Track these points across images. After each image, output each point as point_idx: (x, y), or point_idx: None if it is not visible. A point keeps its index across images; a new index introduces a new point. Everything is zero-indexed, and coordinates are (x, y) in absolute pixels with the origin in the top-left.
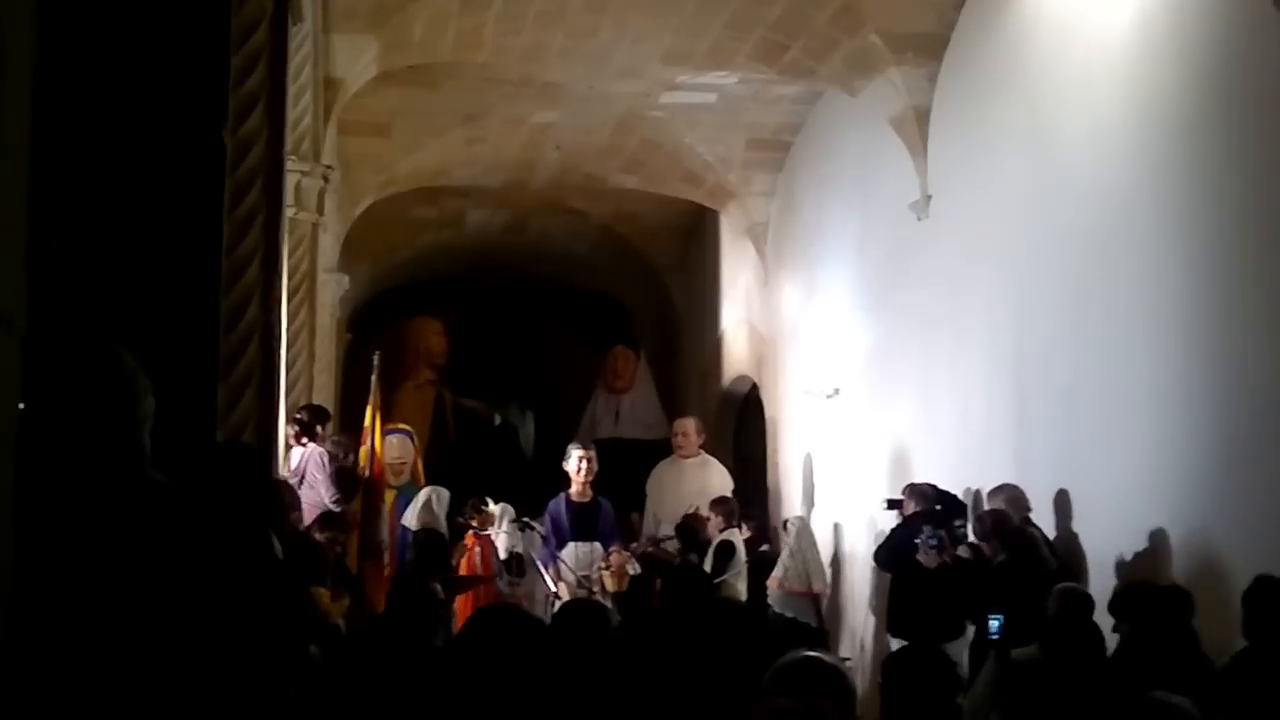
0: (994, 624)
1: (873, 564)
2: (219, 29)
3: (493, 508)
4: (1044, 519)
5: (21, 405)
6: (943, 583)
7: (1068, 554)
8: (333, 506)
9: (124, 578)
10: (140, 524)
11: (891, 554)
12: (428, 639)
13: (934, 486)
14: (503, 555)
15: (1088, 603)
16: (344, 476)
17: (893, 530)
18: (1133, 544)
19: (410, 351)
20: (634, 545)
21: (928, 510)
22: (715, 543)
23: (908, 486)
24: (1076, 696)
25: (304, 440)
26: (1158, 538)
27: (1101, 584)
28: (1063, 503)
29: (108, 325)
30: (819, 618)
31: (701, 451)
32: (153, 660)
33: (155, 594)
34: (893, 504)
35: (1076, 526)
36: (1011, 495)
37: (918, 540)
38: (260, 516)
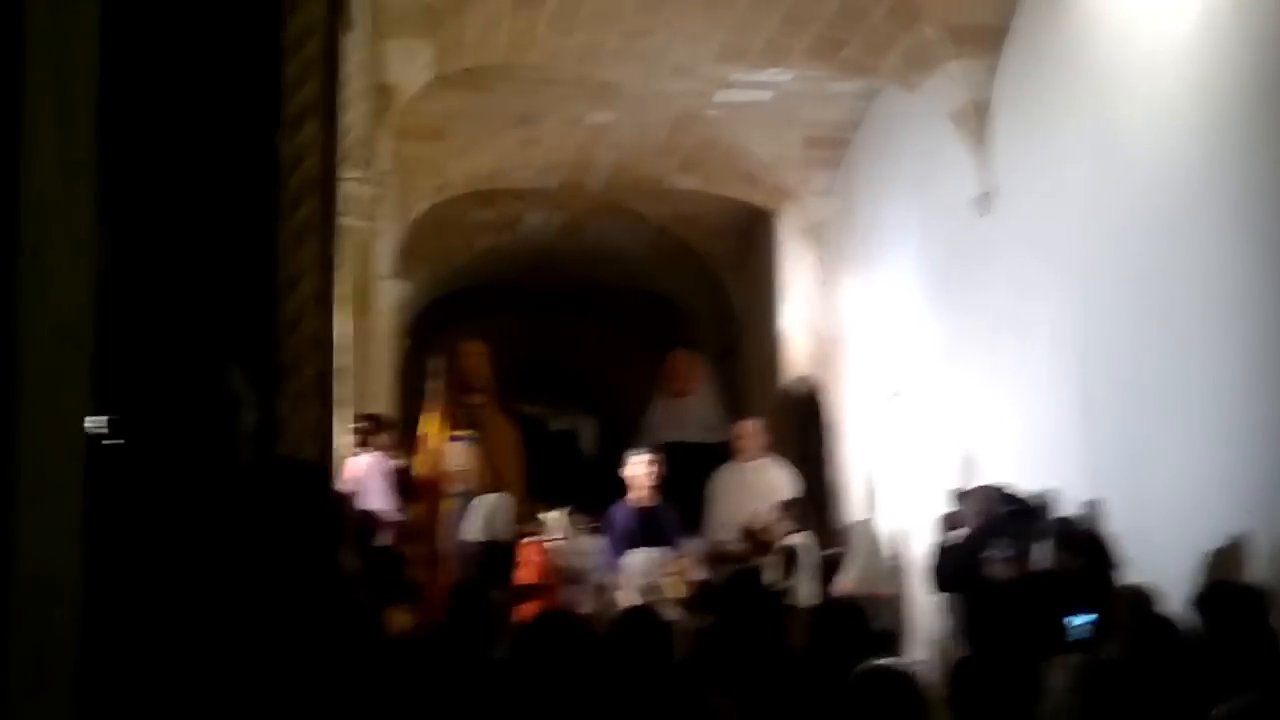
0: (1078, 624)
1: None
2: (272, 38)
3: (552, 515)
4: (1113, 519)
5: (108, 418)
6: (1019, 596)
7: (1138, 554)
8: (392, 515)
9: (222, 586)
10: (239, 529)
11: (951, 575)
12: (486, 649)
13: (1001, 489)
14: (565, 563)
15: (1153, 602)
16: (402, 481)
17: (945, 549)
18: (1205, 542)
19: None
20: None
21: (987, 523)
22: (782, 545)
23: (977, 488)
24: (1160, 700)
25: (363, 448)
26: (1230, 535)
27: (1173, 583)
28: (1131, 501)
29: (166, 337)
30: (889, 620)
31: (764, 454)
32: (220, 659)
33: (254, 601)
34: (959, 497)
35: (1146, 525)
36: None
37: (988, 554)
38: (325, 533)
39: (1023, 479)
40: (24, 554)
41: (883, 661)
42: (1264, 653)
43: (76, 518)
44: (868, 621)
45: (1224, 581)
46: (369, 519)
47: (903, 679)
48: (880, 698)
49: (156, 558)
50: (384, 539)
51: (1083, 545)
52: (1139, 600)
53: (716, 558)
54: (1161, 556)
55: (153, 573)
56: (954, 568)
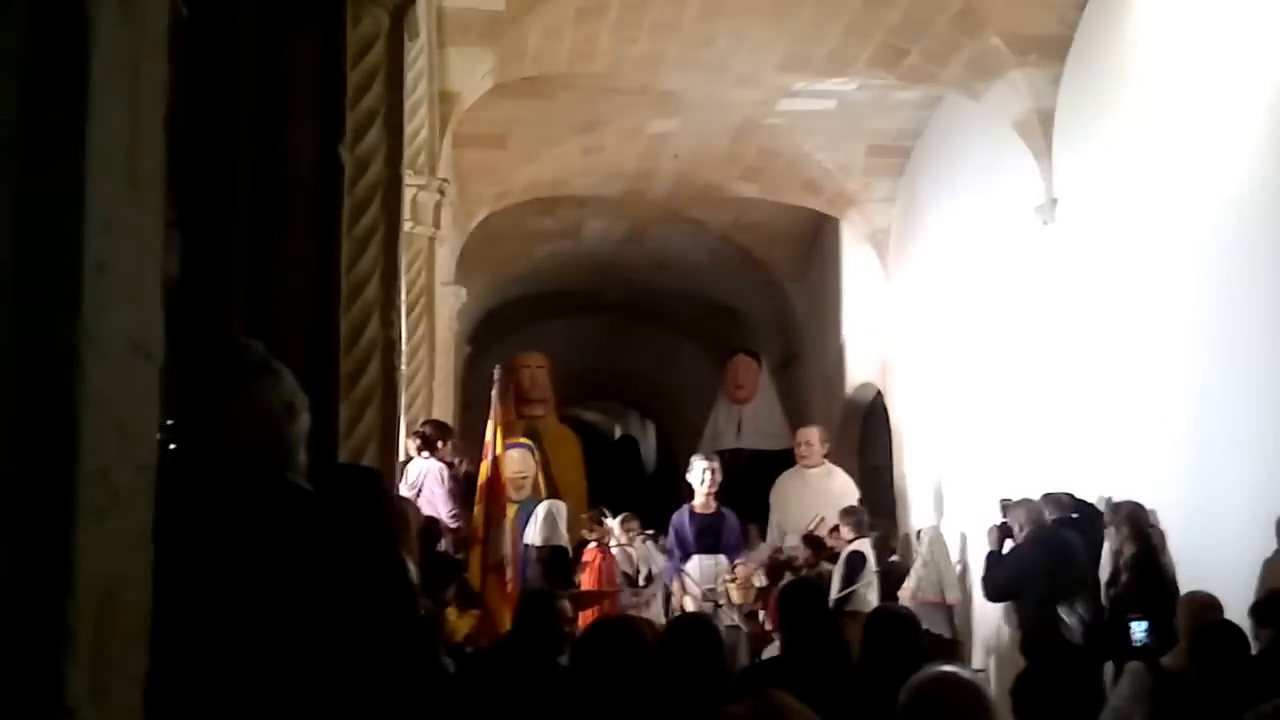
0: (1139, 630)
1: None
2: (337, 47)
3: (611, 521)
4: (1179, 526)
5: (170, 421)
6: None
7: (1202, 561)
8: (449, 522)
9: (277, 595)
10: (293, 539)
11: (1001, 586)
12: (553, 657)
13: (1071, 495)
14: (627, 569)
15: (1219, 608)
16: (461, 487)
17: (995, 558)
18: (1270, 549)
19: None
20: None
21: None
22: (845, 552)
23: (1017, 501)
24: (1226, 707)
25: (424, 453)
26: None
27: (1238, 590)
28: (1197, 509)
29: (230, 344)
30: (952, 628)
31: (826, 461)
32: (290, 666)
33: (304, 608)
34: (1007, 507)
35: (1212, 532)
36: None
37: (1133, 635)
38: (388, 537)
39: (1088, 486)
40: (91, 567)
41: (944, 668)
42: None
43: (147, 530)
44: (917, 630)
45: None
46: (431, 524)
47: (965, 685)
48: (942, 703)
49: (220, 567)
50: (444, 545)
51: (1144, 535)
52: (1203, 608)
53: (778, 565)
54: (1226, 565)
55: (217, 582)
56: (1003, 578)
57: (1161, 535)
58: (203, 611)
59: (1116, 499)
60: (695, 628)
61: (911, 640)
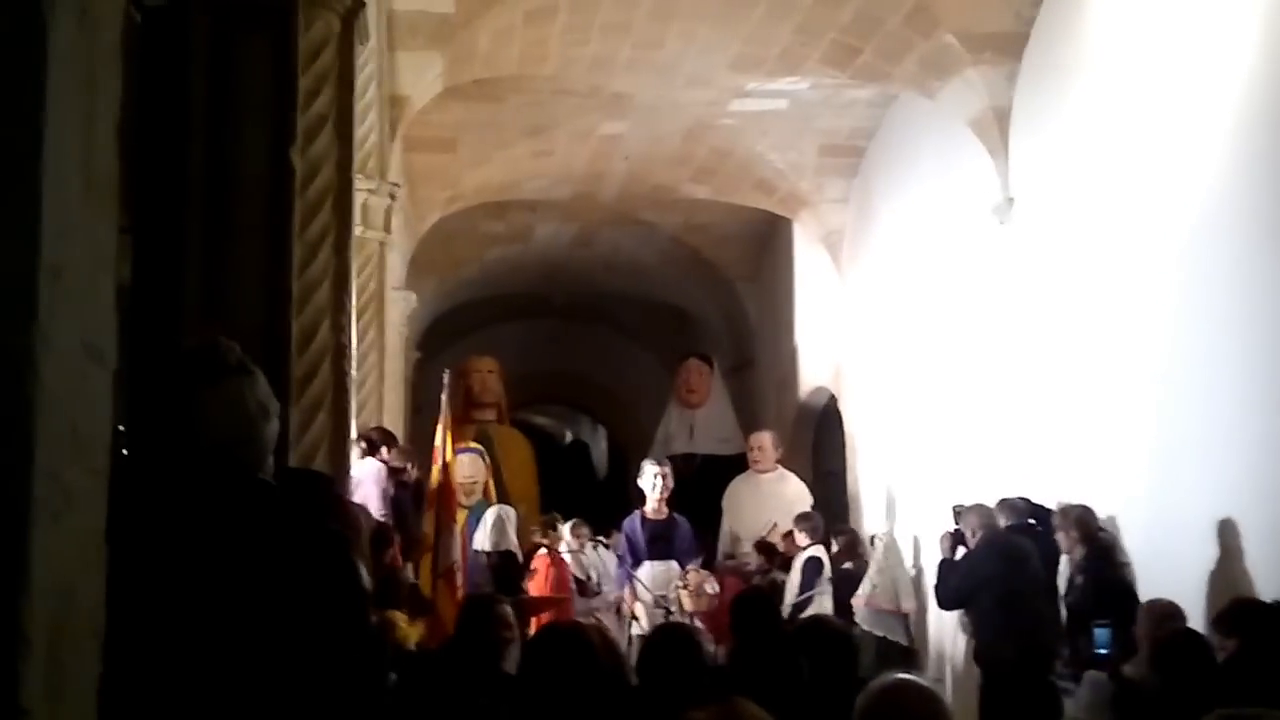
0: (1101, 636)
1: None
2: (287, 51)
3: (564, 527)
4: (1137, 531)
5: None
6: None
7: (1161, 566)
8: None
9: (246, 595)
10: (266, 539)
11: (955, 592)
12: (495, 661)
13: (1027, 500)
14: (578, 575)
15: (1180, 616)
16: (411, 493)
17: (948, 565)
18: (1236, 553)
19: (464, 393)
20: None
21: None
22: (802, 559)
23: (970, 506)
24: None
25: (366, 456)
26: (1263, 544)
27: (1199, 596)
28: (1155, 513)
29: (181, 349)
30: (908, 636)
31: (779, 466)
32: (245, 665)
33: (269, 609)
34: (959, 513)
35: (1170, 537)
36: (983, 512)
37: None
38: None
39: (1045, 491)
40: (45, 568)
41: (901, 675)
42: None
43: (100, 531)
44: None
45: (1254, 599)
46: (381, 530)
47: (921, 692)
48: (898, 710)
49: (192, 565)
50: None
51: (1094, 538)
52: (1164, 617)
53: (730, 571)
54: (1184, 570)
55: (187, 581)
56: (956, 585)
57: (1112, 538)
58: (175, 610)
59: (1069, 504)
60: (676, 639)
61: (692, 657)
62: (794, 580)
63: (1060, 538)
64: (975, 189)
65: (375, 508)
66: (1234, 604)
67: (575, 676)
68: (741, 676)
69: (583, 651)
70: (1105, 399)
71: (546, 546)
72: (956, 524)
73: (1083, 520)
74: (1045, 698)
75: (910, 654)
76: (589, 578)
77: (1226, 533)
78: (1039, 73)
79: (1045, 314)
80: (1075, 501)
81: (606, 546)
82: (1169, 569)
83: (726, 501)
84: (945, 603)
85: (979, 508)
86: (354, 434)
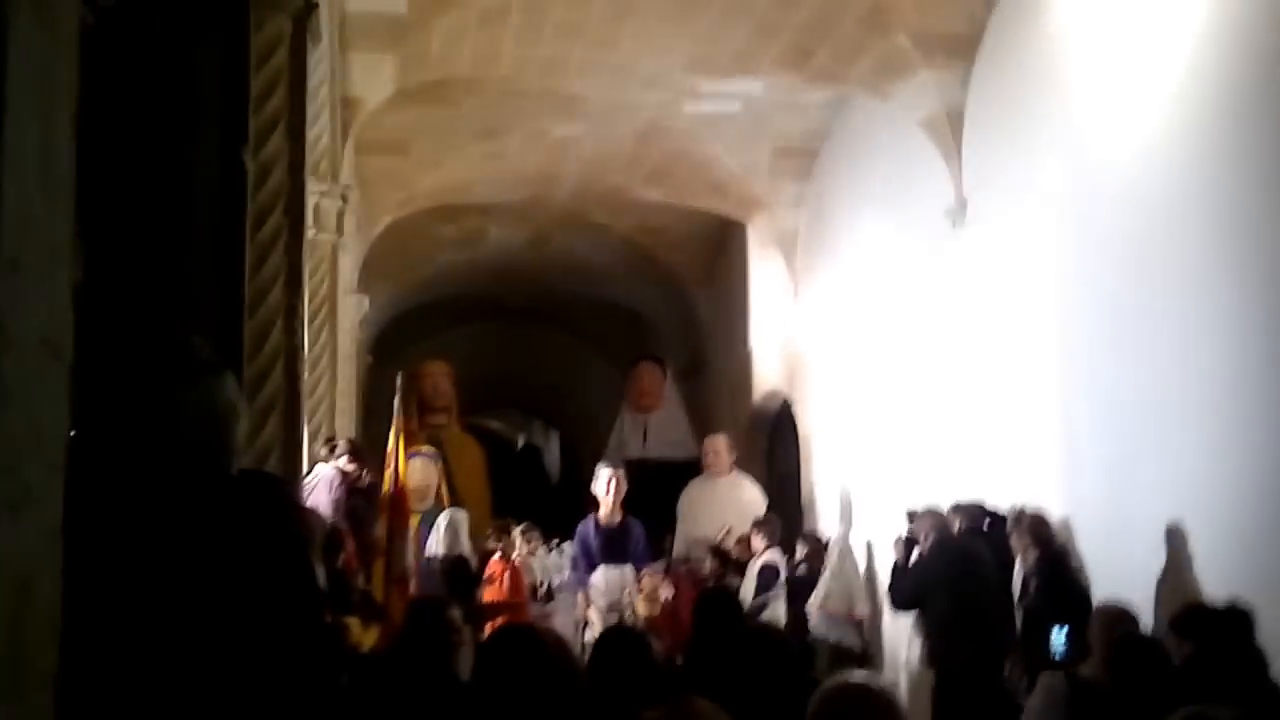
0: (1059, 638)
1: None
2: (239, 52)
3: (517, 531)
4: (1091, 535)
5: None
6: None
7: (1114, 570)
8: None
9: (218, 594)
10: (236, 536)
11: (908, 595)
12: (445, 665)
13: (981, 505)
14: (532, 580)
15: (1133, 621)
16: (365, 500)
17: (901, 569)
18: (1187, 560)
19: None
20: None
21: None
22: (758, 564)
23: (922, 511)
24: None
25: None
26: (1212, 552)
27: (1150, 600)
28: (1108, 517)
29: (131, 350)
30: (862, 641)
31: (734, 470)
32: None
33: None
34: (912, 518)
35: (1123, 541)
36: (935, 517)
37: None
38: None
39: (999, 495)
40: (3, 563)
41: (855, 675)
42: (1251, 675)
43: (58, 526)
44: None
45: (1206, 603)
46: (334, 534)
47: (875, 692)
48: (852, 710)
49: (133, 568)
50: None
51: (1046, 542)
52: (1118, 619)
53: (685, 576)
54: (1137, 573)
55: (134, 583)
56: (908, 588)
57: (1065, 543)
58: (136, 607)
59: (1027, 508)
60: (625, 641)
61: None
62: (749, 585)
63: (1014, 542)
64: (929, 191)
65: (326, 513)
66: (1190, 608)
67: (528, 679)
68: (698, 676)
69: (536, 654)
70: (1059, 402)
71: (501, 552)
72: (910, 527)
73: (1036, 525)
74: (999, 701)
75: (864, 659)
76: (541, 583)
77: (1177, 537)
78: (992, 75)
79: (999, 316)
80: (1029, 505)
81: (559, 551)
82: (1121, 573)
83: (681, 506)
84: (898, 605)
85: (932, 511)
86: (308, 437)
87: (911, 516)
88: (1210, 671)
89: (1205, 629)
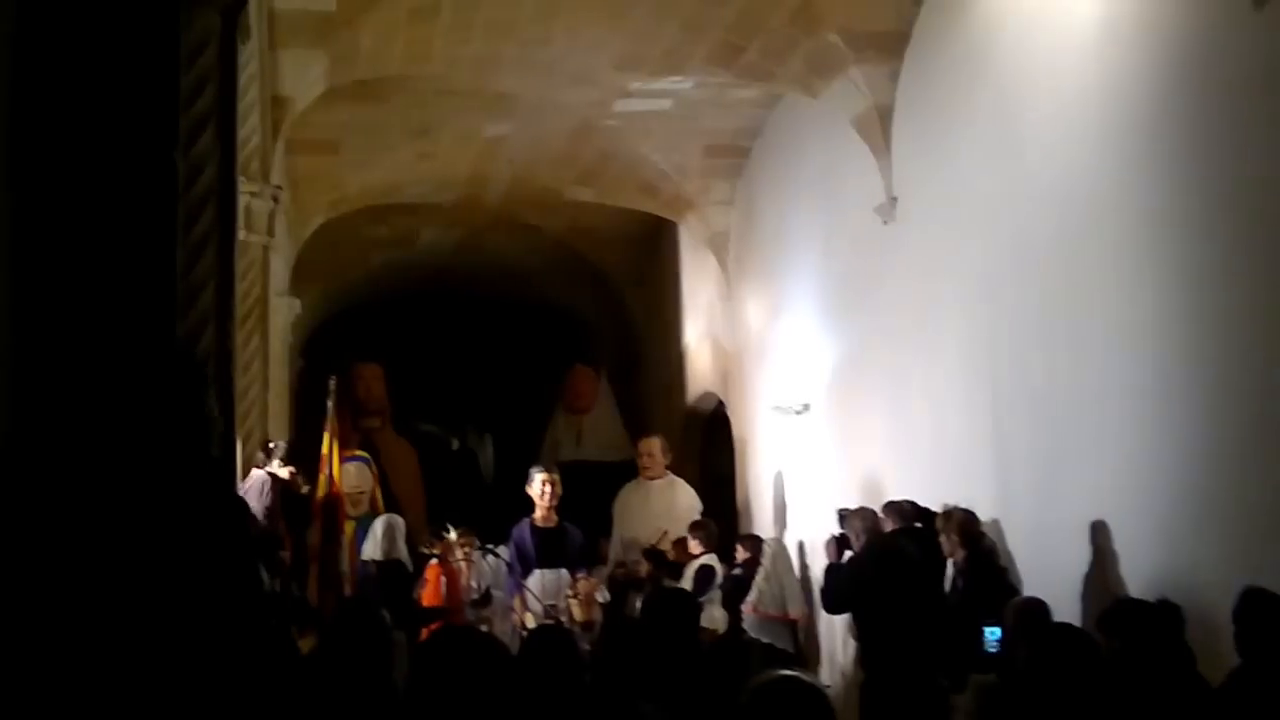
0: (991, 636)
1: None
2: (167, 50)
3: (452, 535)
4: (1021, 533)
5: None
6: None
7: (1043, 567)
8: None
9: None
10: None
11: (840, 596)
12: (374, 670)
13: (913, 503)
14: (468, 584)
15: (1047, 612)
16: (297, 505)
17: (834, 570)
18: (1116, 555)
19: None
20: (599, 569)
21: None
22: (695, 567)
23: (854, 510)
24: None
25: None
26: (1141, 546)
27: (1077, 598)
28: (1039, 515)
29: (61, 354)
30: (796, 643)
31: (668, 472)
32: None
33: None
34: (843, 517)
35: (1052, 539)
36: (866, 516)
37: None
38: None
39: (933, 494)
40: None
41: (784, 672)
42: (1179, 670)
43: None
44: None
45: (1136, 599)
46: (271, 538)
47: (805, 688)
48: (781, 706)
49: (71, 565)
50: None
51: (974, 541)
52: (1030, 614)
53: (620, 579)
54: (1066, 571)
55: (68, 582)
56: (840, 589)
57: (993, 541)
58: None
59: (956, 507)
60: (553, 642)
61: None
62: (687, 588)
63: (942, 541)
64: (859, 188)
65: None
66: (1118, 604)
67: (465, 682)
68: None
69: (473, 657)
70: (989, 400)
71: (437, 556)
72: (841, 527)
73: (964, 523)
74: (929, 702)
75: (798, 660)
76: (476, 586)
77: (1103, 534)
78: (921, 72)
79: (930, 314)
80: (959, 503)
81: (496, 555)
82: (1049, 570)
83: (617, 509)
84: (831, 607)
85: (863, 511)
86: (240, 442)
87: (842, 516)
88: (1137, 666)
89: (1133, 624)
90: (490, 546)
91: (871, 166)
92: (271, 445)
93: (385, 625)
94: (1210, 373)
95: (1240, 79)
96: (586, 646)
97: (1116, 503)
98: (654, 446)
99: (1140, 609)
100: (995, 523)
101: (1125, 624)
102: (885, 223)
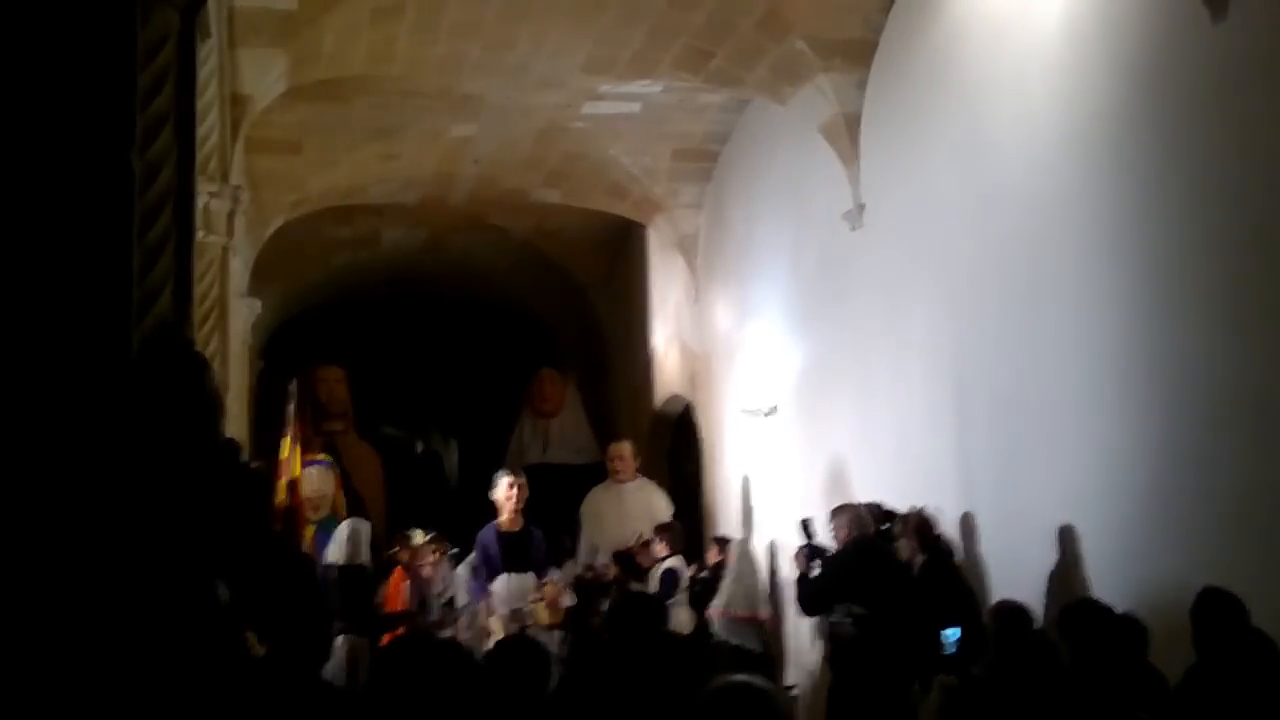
0: (950, 637)
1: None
2: (124, 47)
3: (416, 540)
4: (987, 534)
5: None
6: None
7: (1009, 567)
8: None
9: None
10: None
11: (817, 594)
12: (317, 672)
13: (878, 507)
14: (432, 589)
15: (1028, 617)
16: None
17: (805, 580)
18: (1080, 554)
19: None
20: (567, 564)
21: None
22: (661, 569)
23: (841, 507)
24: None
25: None
26: (1104, 548)
27: (1043, 595)
28: (1004, 516)
29: (15, 357)
30: (763, 643)
31: (639, 475)
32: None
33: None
34: (807, 527)
35: (1017, 539)
36: (853, 514)
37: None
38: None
39: (899, 495)
40: None
41: (738, 676)
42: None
43: None
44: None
45: (1088, 600)
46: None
47: (758, 693)
48: (734, 712)
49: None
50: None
51: (933, 544)
52: (1010, 617)
53: (586, 583)
54: (1032, 571)
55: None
56: (819, 587)
57: (950, 543)
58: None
59: (913, 510)
60: (522, 649)
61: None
62: (650, 591)
63: (901, 545)
64: (827, 194)
65: None
66: (1071, 607)
67: (426, 688)
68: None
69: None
70: (954, 402)
71: (401, 562)
72: (806, 537)
73: (921, 526)
74: (898, 702)
75: (765, 661)
76: (444, 591)
77: (1068, 534)
78: (888, 80)
79: (895, 318)
80: (926, 504)
81: (461, 559)
82: (1014, 570)
83: (585, 512)
84: (809, 608)
85: (849, 508)
86: None
87: (806, 526)
88: (1096, 669)
89: (1088, 629)
90: (455, 551)
91: (839, 173)
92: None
93: (330, 631)
94: (1172, 373)
95: (1201, 85)
96: (554, 650)
97: (1080, 502)
98: (625, 450)
99: (1097, 613)
100: (959, 523)
101: (1081, 628)
102: (853, 229)
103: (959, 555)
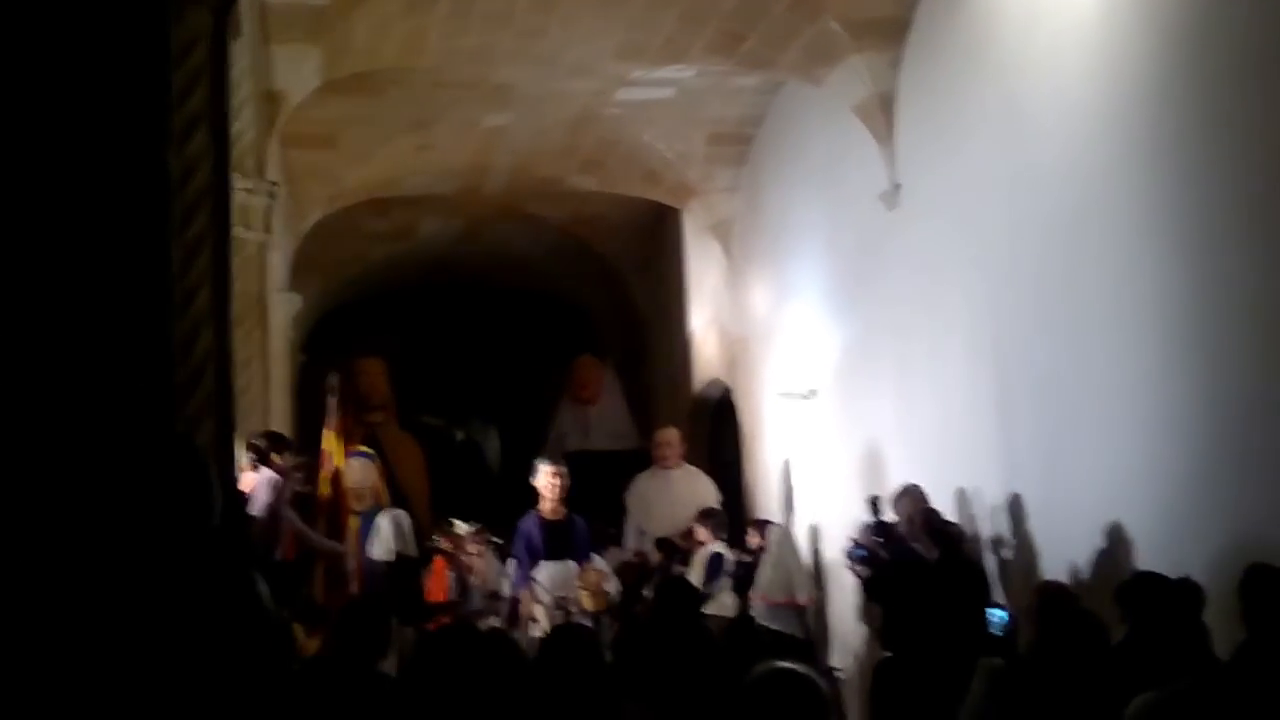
0: (996, 619)
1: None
2: (158, 48)
3: (459, 529)
4: (1030, 512)
5: None
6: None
7: (1052, 547)
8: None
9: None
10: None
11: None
12: (375, 667)
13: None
14: (475, 579)
15: (1073, 597)
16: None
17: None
18: (1122, 535)
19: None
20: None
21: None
22: (705, 554)
23: (905, 489)
24: (1077, 700)
25: (258, 467)
26: (1150, 527)
27: (1088, 577)
28: (1046, 495)
29: (56, 358)
30: (805, 629)
31: (685, 462)
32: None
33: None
34: (875, 504)
35: (1065, 519)
36: (915, 496)
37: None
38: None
39: (939, 477)
40: None
41: (780, 663)
42: (1193, 647)
43: None
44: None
45: (1154, 574)
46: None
47: (801, 680)
48: (779, 699)
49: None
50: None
51: (944, 538)
52: (1058, 597)
53: (630, 569)
54: (1074, 551)
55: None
56: (889, 577)
57: (960, 529)
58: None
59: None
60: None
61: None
62: (695, 577)
63: (917, 545)
64: (863, 175)
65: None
66: (1136, 579)
67: (471, 678)
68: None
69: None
70: (995, 383)
71: (443, 551)
72: (874, 514)
73: (928, 520)
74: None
75: (807, 647)
76: (487, 580)
77: (1108, 515)
78: (923, 58)
79: (934, 299)
80: (971, 486)
81: (503, 547)
82: (1059, 550)
83: (632, 498)
84: (871, 595)
85: (912, 489)
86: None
87: (875, 503)
88: (1151, 645)
89: (1150, 600)
90: (498, 539)
91: (874, 153)
92: (255, 442)
93: (386, 623)
94: (1218, 350)
95: (1243, 55)
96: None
97: (1125, 481)
98: (671, 436)
99: (1158, 584)
100: (1006, 504)
101: (1142, 599)
102: (889, 209)
103: (1004, 536)
